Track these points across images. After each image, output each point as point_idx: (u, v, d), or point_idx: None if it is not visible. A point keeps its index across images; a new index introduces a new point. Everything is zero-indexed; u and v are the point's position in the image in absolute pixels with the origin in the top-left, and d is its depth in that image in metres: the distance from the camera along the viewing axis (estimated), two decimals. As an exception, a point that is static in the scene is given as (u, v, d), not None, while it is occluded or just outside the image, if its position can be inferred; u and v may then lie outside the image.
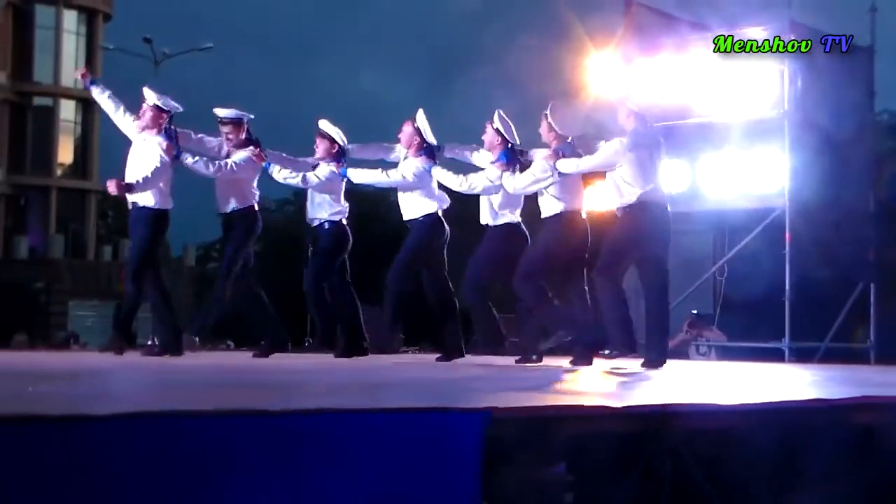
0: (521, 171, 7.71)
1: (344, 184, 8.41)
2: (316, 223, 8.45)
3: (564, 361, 7.54)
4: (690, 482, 3.25)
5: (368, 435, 2.56)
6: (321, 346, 9.14)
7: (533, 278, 7.57)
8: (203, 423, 2.39)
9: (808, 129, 12.10)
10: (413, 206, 8.23)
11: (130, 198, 7.82)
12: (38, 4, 37.92)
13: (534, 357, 7.78)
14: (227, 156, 8.06)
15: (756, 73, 12.22)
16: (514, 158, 7.80)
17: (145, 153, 7.79)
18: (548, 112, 7.69)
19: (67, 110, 37.83)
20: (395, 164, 8.42)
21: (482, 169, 8.10)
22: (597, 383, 5.20)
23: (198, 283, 36.20)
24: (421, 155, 8.17)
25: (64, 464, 2.12)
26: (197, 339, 13.50)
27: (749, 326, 12.52)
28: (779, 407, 3.72)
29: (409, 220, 8.29)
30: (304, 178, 8.20)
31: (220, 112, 8.13)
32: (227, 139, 8.09)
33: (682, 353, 12.72)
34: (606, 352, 7.66)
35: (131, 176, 7.77)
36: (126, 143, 8.07)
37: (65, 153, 37.83)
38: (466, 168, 8.37)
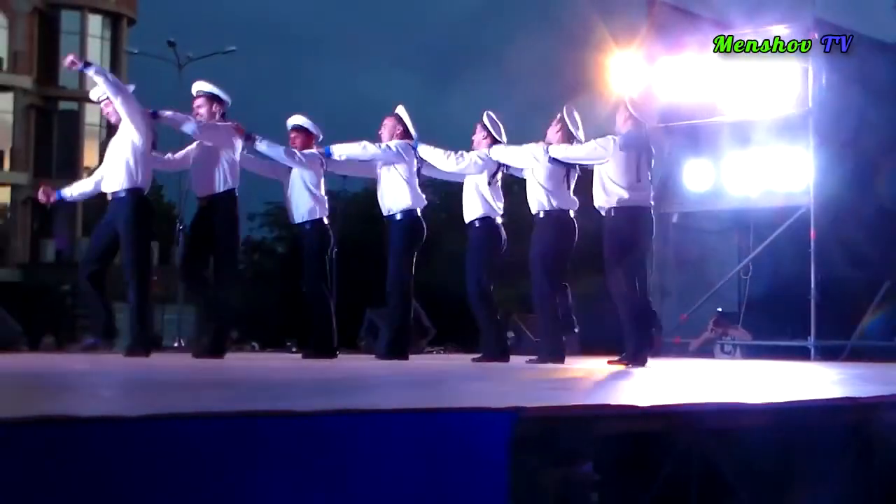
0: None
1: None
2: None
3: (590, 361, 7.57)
4: (718, 481, 3.25)
5: (396, 435, 2.57)
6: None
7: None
8: (231, 424, 2.41)
9: (833, 126, 12.04)
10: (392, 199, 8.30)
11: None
12: (63, 10, 38.19)
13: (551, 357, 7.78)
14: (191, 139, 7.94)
15: (780, 70, 12.17)
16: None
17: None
18: (564, 113, 7.85)
19: (93, 114, 37.98)
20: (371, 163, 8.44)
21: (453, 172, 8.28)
22: (623, 382, 5.21)
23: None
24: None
25: (93, 466, 2.15)
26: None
27: (774, 325, 12.49)
28: (806, 405, 3.72)
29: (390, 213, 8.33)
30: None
31: (202, 86, 7.98)
32: (198, 113, 7.90)
33: (707, 352, 12.69)
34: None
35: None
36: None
37: (90, 157, 38.01)
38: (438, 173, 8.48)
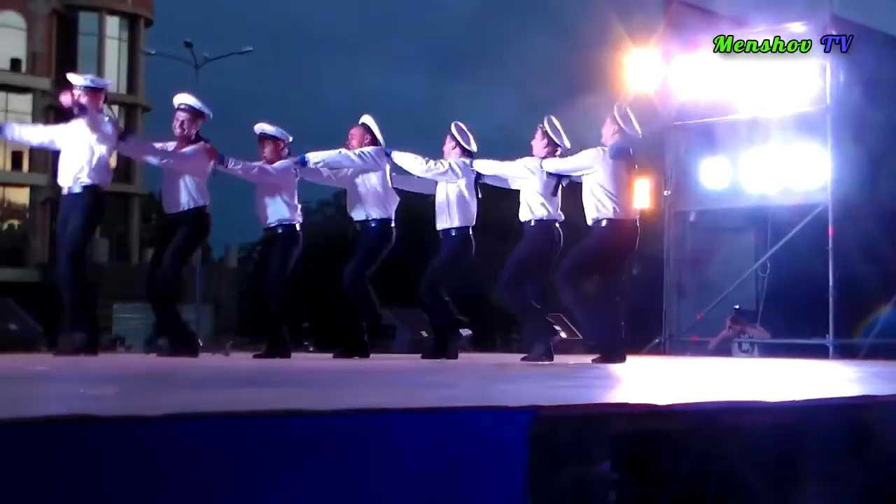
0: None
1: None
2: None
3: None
4: (737, 480, 3.25)
5: (413, 434, 2.57)
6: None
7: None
8: (252, 423, 2.42)
9: (850, 123, 12.00)
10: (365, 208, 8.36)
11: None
12: (81, 11, 38.35)
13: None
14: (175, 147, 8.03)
15: (797, 68, 12.13)
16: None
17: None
18: (545, 123, 8.02)
19: (110, 115, 38.19)
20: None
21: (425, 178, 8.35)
22: (641, 381, 5.20)
23: (240, 284, 36.40)
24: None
25: (115, 465, 2.16)
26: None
27: (792, 323, 12.45)
28: (826, 403, 3.71)
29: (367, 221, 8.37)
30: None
31: (185, 99, 8.10)
32: (181, 127, 8.02)
33: (725, 350, 12.67)
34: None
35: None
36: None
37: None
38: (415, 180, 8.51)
